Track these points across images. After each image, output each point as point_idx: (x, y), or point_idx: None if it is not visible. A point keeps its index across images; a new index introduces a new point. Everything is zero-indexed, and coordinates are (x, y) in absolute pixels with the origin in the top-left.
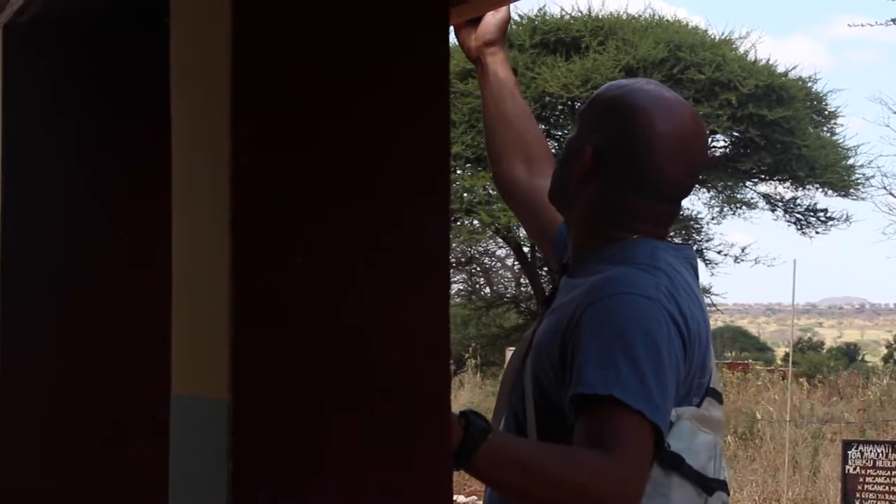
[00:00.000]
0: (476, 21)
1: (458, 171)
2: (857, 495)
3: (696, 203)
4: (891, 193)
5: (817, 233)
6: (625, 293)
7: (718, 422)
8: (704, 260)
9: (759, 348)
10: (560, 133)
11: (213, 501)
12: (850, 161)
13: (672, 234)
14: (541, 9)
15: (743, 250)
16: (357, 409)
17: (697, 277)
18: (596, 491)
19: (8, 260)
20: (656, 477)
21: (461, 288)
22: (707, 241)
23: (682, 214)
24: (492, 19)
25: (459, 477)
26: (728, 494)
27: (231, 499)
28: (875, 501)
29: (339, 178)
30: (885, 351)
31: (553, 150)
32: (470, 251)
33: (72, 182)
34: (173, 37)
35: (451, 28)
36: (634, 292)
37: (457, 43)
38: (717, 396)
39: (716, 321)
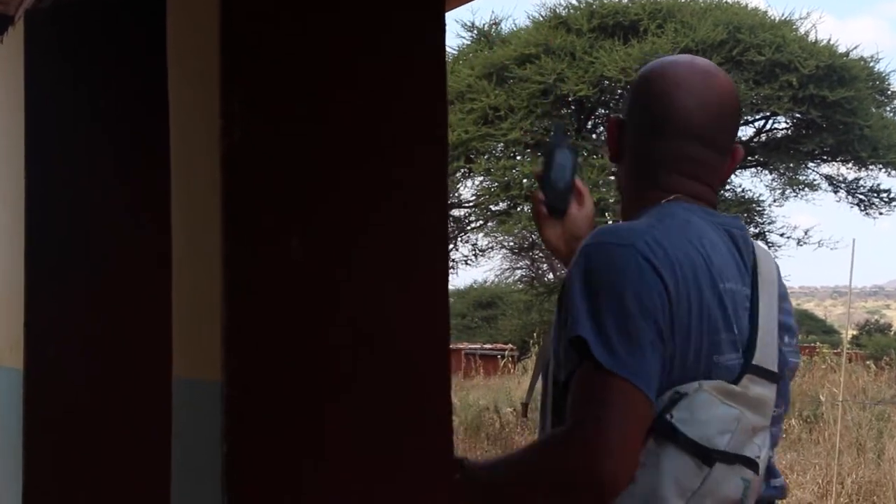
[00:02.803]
0: (554, 214)
1: (518, 157)
2: None
3: (757, 185)
4: None
5: (881, 214)
6: (597, 243)
7: (756, 399)
8: (767, 242)
9: (826, 331)
10: None
11: (210, 484)
12: None
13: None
14: None
15: (806, 233)
16: (352, 392)
17: (739, 248)
18: (565, 468)
19: (32, 228)
20: (650, 447)
21: (524, 274)
22: (769, 223)
23: (744, 197)
24: (579, 214)
25: None
26: (755, 472)
27: (225, 480)
28: None
29: (334, 156)
30: None
31: None
32: (532, 237)
33: (91, 164)
34: (169, 16)
35: (537, 227)
36: (607, 241)
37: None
38: (765, 374)
39: None
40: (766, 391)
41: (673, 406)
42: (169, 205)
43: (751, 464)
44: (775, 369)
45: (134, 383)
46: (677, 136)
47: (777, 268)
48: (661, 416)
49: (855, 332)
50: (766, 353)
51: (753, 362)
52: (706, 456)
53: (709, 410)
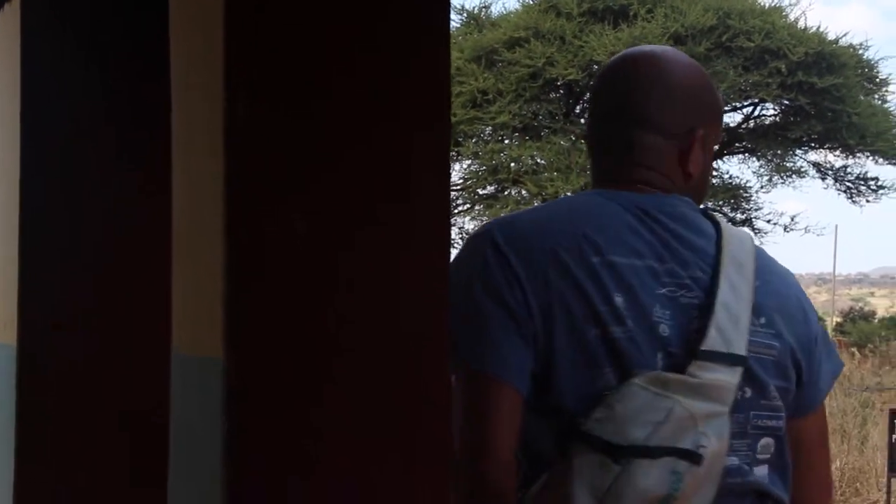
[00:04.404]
0: None
1: (506, 141)
2: None
3: (745, 172)
4: None
5: (868, 202)
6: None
7: (704, 386)
8: (754, 229)
9: None
10: None
11: (210, 461)
12: None
13: (720, 202)
14: None
15: (793, 219)
16: (354, 371)
17: (662, 225)
18: (456, 486)
19: (27, 201)
20: (564, 451)
21: None
22: (756, 209)
23: (731, 184)
24: None
25: None
26: (694, 463)
27: (226, 458)
28: None
29: (340, 132)
30: None
31: None
32: None
33: (90, 139)
34: None
35: None
36: (471, 234)
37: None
38: (721, 358)
39: None
40: (721, 376)
41: (595, 406)
42: (169, 177)
43: (688, 455)
44: (739, 352)
45: (132, 358)
46: (617, 119)
47: (752, 249)
48: (573, 418)
49: (839, 320)
50: (724, 337)
51: (703, 347)
52: (614, 452)
53: (630, 403)
